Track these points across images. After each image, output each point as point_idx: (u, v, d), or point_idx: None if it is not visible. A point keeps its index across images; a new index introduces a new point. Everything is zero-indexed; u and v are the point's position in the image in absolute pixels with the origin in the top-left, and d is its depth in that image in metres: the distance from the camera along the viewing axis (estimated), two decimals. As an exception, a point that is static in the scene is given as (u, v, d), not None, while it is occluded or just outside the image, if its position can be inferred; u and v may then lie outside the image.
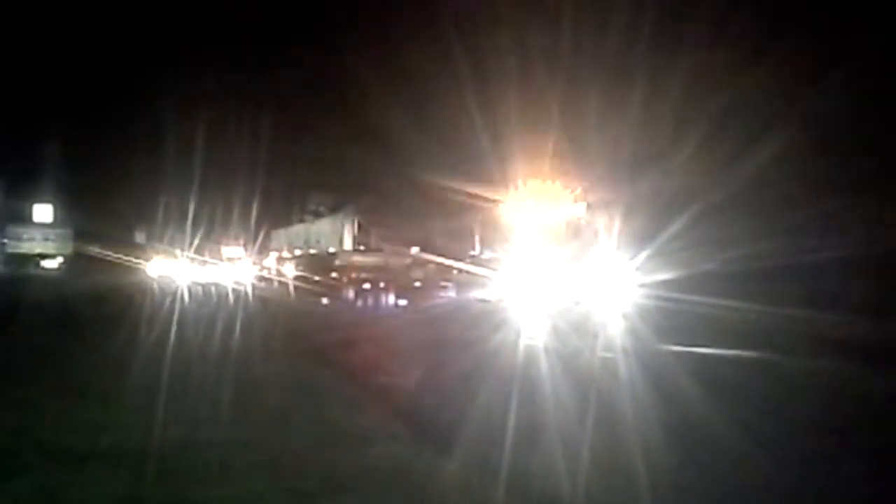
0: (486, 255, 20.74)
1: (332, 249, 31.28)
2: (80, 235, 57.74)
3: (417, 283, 25.17)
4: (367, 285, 27.14)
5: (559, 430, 7.08)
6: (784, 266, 16.18)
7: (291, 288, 32.51)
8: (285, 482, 5.67)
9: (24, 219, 60.40)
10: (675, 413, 7.69)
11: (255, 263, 40.90)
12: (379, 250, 27.70)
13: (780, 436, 6.99)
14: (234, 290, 30.80)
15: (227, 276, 37.32)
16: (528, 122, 18.90)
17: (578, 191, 18.86)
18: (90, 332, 14.60)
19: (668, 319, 14.52)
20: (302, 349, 13.46)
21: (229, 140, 38.11)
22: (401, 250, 26.34)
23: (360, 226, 28.94)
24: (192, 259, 41.93)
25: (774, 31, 18.26)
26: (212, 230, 41.97)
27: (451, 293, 22.84)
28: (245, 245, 42.15)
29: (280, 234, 40.61)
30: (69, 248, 60.27)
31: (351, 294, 27.87)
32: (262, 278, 37.90)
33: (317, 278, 30.33)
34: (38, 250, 60.28)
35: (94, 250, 51.28)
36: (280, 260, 39.16)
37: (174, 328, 14.59)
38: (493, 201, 19.20)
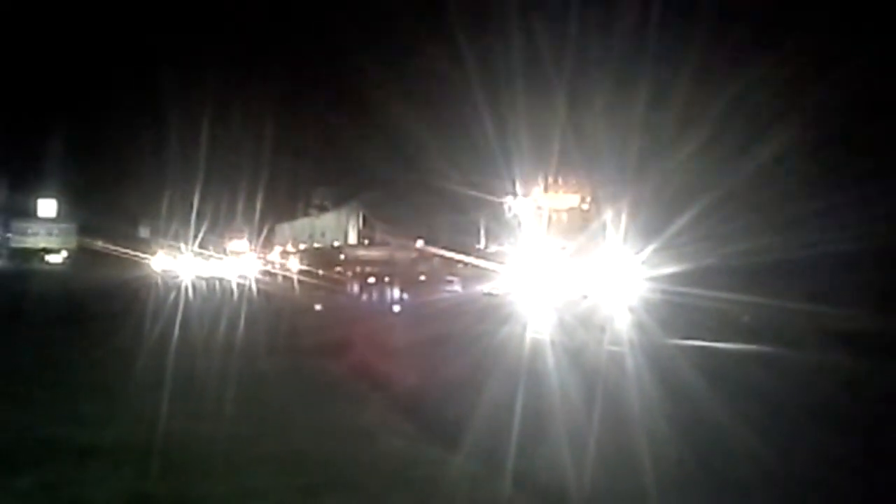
0: (492, 248, 20.67)
1: (336, 244, 31.08)
2: (85, 230, 58.00)
3: (423, 278, 25.00)
4: (372, 279, 27.08)
5: (566, 424, 7.05)
6: (788, 260, 16.22)
7: (296, 282, 32.47)
8: (290, 478, 5.63)
9: (29, 213, 60.67)
10: (682, 407, 7.67)
11: (259, 258, 40.83)
12: (384, 244, 27.48)
13: (786, 430, 6.97)
14: (238, 284, 30.80)
15: (232, 271, 37.30)
16: (534, 116, 18.88)
17: (585, 185, 18.86)
18: (94, 328, 14.61)
19: (675, 313, 14.52)
20: (306, 344, 13.45)
21: (233, 134, 38.19)
22: (406, 244, 26.16)
23: (365, 220, 28.76)
24: (197, 253, 41.94)
25: (775, 31, 18.35)
26: (216, 225, 41.95)
27: (457, 287, 22.73)
28: (249, 239, 42.06)
29: (284, 229, 40.39)
30: (73, 243, 60.53)
31: (356, 288, 27.82)
32: (266, 273, 37.81)
33: (321, 272, 30.27)
34: (42, 245, 60.57)
35: (99, 245, 51.50)
36: (284, 254, 39.02)
37: (178, 323, 14.57)
38: (499, 195, 19.17)
